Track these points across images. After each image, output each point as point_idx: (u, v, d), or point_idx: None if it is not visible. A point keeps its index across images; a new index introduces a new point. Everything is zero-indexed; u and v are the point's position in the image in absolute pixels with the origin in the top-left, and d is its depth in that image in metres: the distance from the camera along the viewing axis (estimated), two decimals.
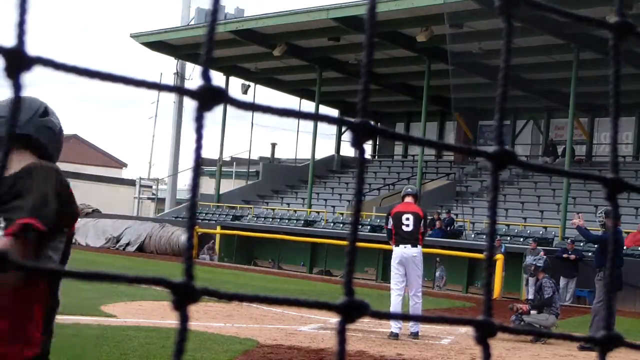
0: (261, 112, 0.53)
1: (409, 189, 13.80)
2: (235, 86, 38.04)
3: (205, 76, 0.52)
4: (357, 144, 0.55)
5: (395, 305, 12.58)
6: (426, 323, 12.61)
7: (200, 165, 0.55)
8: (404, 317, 0.66)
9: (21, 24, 0.47)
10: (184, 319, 0.57)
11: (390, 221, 12.92)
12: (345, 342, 0.56)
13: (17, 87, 0.48)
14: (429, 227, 13.05)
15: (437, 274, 25.64)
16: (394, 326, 12.47)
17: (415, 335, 12.54)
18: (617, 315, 15.78)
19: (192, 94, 0.52)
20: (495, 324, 0.62)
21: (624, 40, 0.69)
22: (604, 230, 13.48)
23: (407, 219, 12.72)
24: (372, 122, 0.60)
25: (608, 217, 13.27)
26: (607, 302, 0.74)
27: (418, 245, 12.72)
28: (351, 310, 0.56)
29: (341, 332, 0.56)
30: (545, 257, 15.25)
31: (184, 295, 0.56)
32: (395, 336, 12.30)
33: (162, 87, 0.52)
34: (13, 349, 2.55)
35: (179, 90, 0.54)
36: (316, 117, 0.59)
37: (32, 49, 0.55)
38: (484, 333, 0.62)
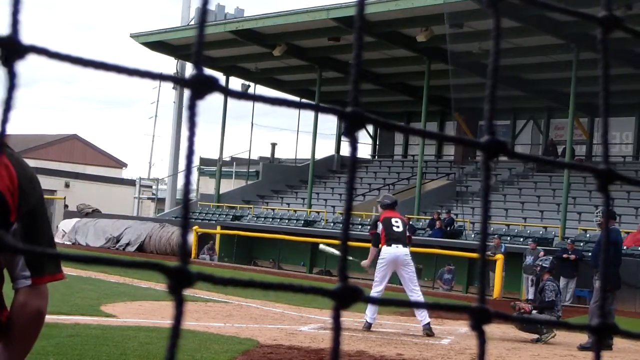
0: (253, 101, 0.54)
1: (387, 200, 13.96)
2: (235, 86, 38.07)
3: (198, 66, 0.52)
4: (350, 132, 0.55)
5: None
6: (426, 311, 12.70)
7: (194, 151, 0.56)
8: (397, 303, 0.67)
9: (15, 13, 0.48)
10: (179, 303, 0.57)
11: (380, 225, 13.30)
12: (341, 328, 0.57)
13: (11, 75, 0.49)
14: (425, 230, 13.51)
15: (449, 277, 25.55)
16: (369, 317, 12.73)
17: (427, 327, 12.67)
18: (617, 315, 15.80)
19: (185, 82, 0.53)
20: (490, 311, 0.63)
21: (611, 33, 0.70)
22: (602, 230, 13.48)
23: (397, 221, 13.18)
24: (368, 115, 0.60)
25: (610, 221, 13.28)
26: (602, 290, 0.75)
27: (407, 246, 13.11)
28: (345, 296, 0.57)
29: (336, 318, 0.57)
30: (551, 257, 15.21)
31: (179, 280, 0.56)
32: (368, 327, 12.64)
33: (154, 75, 0.53)
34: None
35: (172, 79, 0.55)
36: (309, 107, 0.60)
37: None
38: (479, 320, 0.63)
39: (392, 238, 13.06)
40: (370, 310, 12.87)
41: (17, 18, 0.47)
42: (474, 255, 24.14)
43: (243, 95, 0.55)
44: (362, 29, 0.53)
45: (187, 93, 0.56)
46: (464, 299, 22.63)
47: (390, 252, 13.04)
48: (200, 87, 0.52)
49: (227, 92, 0.54)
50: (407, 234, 13.44)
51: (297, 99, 39.19)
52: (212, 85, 0.52)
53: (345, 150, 40.76)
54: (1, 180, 2.48)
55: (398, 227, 13.09)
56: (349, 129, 0.55)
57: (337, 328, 0.56)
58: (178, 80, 0.55)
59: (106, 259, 0.59)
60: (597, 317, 0.74)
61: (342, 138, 41.46)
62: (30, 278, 2.60)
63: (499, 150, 0.59)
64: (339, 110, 0.56)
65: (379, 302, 0.65)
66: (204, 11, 0.53)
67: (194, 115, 0.52)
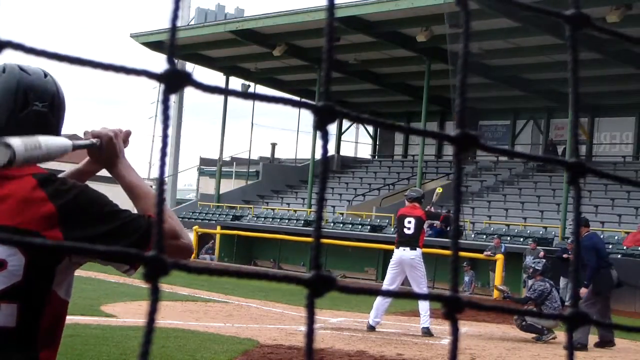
0: (225, 95, 0.55)
1: (413, 193, 13.90)
2: (235, 86, 38.06)
3: (170, 60, 0.54)
4: (321, 126, 0.56)
5: (378, 303, 12.82)
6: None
7: (167, 143, 0.57)
8: (373, 292, 0.68)
9: None
10: (155, 290, 0.59)
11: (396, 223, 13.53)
12: (314, 315, 0.58)
13: None
14: (443, 224, 13.26)
15: (467, 279, 25.56)
16: (372, 319, 12.79)
17: (426, 331, 12.69)
18: (616, 315, 15.80)
19: (158, 77, 0.54)
20: (462, 300, 0.64)
21: (580, 30, 0.71)
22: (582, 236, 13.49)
23: (409, 222, 13.04)
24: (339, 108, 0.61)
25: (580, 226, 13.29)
26: (574, 280, 0.76)
27: (417, 248, 13.01)
28: (318, 284, 0.58)
29: (310, 306, 0.58)
30: (544, 260, 15.25)
31: (155, 268, 0.58)
32: (371, 329, 12.69)
33: (128, 70, 0.54)
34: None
35: (145, 73, 0.56)
36: (282, 101, 0.61)
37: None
38: (452, 308, 0.64)
39: (401, 240, 13.09)
40: (373, 313, 12.89)
41: None
42: (474, 255, 24.18)
43: (215, 89, 0.57)
44: (332, 20, 0.55)
45: (161, 87, 0.57)
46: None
47: (398, 254, 13.09)
48: (173, 80, 0.53)
49: (201, 87, 0.55)
50: (424, 232, 13.33)
51: (297, 99, 39.44)
52: (184, 80, 0.53)
53: (346, 150, 40.76)
54: (33, 219, 2.21)
55: (409, 228, 13.05)
56: (320, 123, 0.56)
57: (310, 316, 0.58)
58: (152, 75, 0.56)
59: (83, 248, 0.60)
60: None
61: (343, 138, 41.49)
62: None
63: (470, 144, 0.60)
64: (312, 105, 0.57)
65: (354, 290, 0.66)
66: (174, 21, 0.54)
67: (167, 108, 0.53)
